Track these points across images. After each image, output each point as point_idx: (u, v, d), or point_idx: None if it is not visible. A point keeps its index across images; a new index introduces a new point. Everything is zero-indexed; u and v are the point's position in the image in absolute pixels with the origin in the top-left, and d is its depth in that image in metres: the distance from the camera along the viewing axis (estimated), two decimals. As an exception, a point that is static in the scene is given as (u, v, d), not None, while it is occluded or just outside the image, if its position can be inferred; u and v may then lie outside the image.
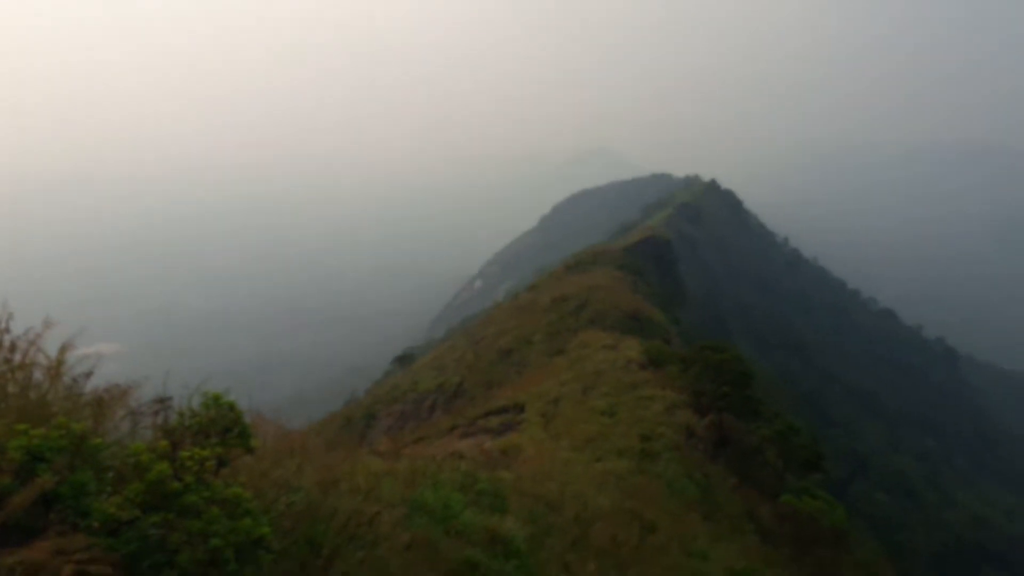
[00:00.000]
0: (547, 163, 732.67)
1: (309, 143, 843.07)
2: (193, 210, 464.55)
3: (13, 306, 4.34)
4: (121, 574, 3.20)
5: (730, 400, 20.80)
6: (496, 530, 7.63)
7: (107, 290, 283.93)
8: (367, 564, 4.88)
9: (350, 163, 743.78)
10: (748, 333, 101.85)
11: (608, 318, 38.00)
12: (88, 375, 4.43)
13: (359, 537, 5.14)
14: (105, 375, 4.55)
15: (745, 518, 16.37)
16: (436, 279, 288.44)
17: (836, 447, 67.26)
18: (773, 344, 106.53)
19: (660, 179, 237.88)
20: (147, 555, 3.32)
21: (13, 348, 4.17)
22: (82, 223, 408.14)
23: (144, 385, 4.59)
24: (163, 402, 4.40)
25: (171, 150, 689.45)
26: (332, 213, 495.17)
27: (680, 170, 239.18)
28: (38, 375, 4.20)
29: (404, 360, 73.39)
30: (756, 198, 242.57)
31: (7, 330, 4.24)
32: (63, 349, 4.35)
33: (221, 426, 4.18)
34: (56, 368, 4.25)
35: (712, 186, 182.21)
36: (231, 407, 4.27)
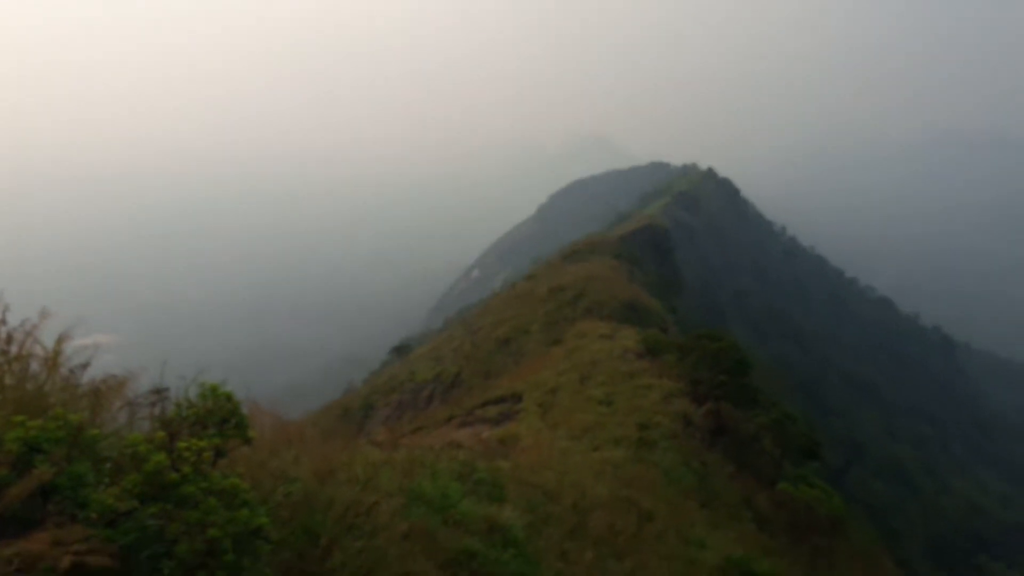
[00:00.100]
0: (544, 153, 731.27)
1: (305, 137, 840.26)
2: (190, 203, 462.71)
3: (10, 297, 4.34)
4: (119, 565, 3.21)
5: (727, 388, 20.84)
6: (494, 519, 7.65)
7: (104, 281, 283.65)
8: (365, 554, 4.90)
9: (347, 155, 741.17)
10: (745, 321, 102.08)
11: (605, 307, 38.00)
12: (85, 366, 4.43)
13: (357, 527, 5.15)
14: (102, 366, 4.54)
15: (742, 506, 16.43)
16: (433, 269, 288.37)
17: (833, 435, 67.49)
18: (770, 332, 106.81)
19: (658, 168, 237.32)
20: (145, 546, 3.32)
21: (10, 339, 4.16)
22: (79, 216, 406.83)
23: (141, 376, 4.59)
24: (160, 393, 4.40)
25: (166, 145, 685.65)
26: (329, 205, 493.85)
27: (678, 159, 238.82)
28: (35, 366, 4.19)
29: (402, 350, 73.39)
30: (754, 187, 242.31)
31: (4, 321, 4.22)
32: (60, 340, 4.34)
33: (218, 417, 4.18)
34: (53, 359, 4.24)
35: (710, 175, 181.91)
36: (228, 398, 4.27)
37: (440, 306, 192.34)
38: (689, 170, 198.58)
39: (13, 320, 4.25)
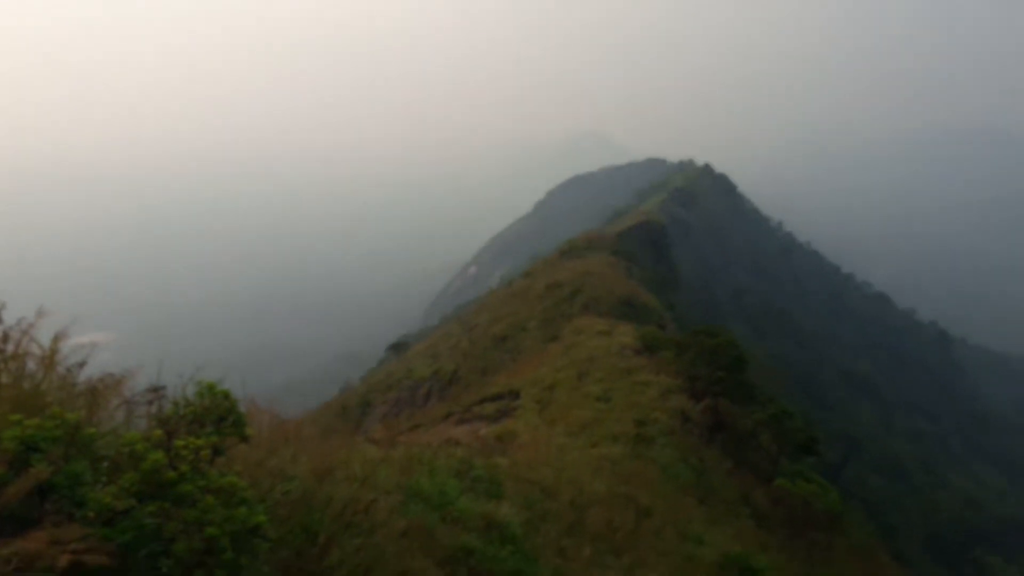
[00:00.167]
0: (540, 149, 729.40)
1: (304, 137, 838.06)
2: (190, 203, 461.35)
3: (8, 297, 4.33)
4: (117, 563, 3.20)
5: (725, 385, 20.88)
6: (492, 516, 7.66)
7: (103, 281, 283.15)
8: (363, 551, 4.90)
9: (343, 153, 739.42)
10: (742, 318, 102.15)
11: (602, 304, 38.03)
12: (82, 365, 4.42)
13: (355, 524, 5.15)
14: (99, 364, 4.54)
15: (740, 502, 16.47)
16: (430, 266, 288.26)
17: (830, 430, 67.52)
18: (767, 328, 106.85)
19: (654, 164, 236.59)
20: (143, 544, 3.32)
21: (6, 338, 4.15)
22: (79, 216, 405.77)
23: (138, 374, 4.58)
24: (157, 391, 4.39)
25: (166, 145, 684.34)
26: (326, 203, 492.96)
27: (674, 155, 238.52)
28: (32, 365, 4.18)
29: (399, 348, 73.53)
30: (750, 183, 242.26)
31: (0, 320, 4.22)
32: (57, 339, 4.33)
33: (216, 415, 4.18)
34: (50, 358, 4.24)
35: (706, 170, 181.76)
36: (226, 396, 4.26)
37: (437, 303, 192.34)
38: (686, 166, 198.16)
39: (10, 318, 4.24)
